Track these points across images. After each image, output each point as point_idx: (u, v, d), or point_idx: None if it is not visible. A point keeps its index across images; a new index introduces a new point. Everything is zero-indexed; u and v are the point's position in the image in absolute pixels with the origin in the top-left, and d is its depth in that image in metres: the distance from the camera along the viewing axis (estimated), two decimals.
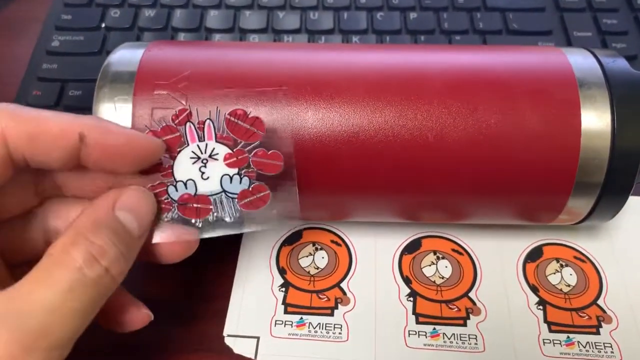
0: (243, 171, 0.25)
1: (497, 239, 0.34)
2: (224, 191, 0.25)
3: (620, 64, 0.28)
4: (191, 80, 0.27)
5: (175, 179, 0.25)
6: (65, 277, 0.21)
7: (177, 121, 0.25)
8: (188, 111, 0.25)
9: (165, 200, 0.25)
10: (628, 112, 0.27)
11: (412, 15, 0.43)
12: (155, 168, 0.25)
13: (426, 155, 0.27)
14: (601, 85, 0.27)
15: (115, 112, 0.26)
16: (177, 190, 0.25)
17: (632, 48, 0.41)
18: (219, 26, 0.42)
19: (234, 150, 0.25)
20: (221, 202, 0.26)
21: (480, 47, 0.31)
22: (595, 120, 0.27)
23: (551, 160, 0.27)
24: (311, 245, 0.34)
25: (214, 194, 0.26)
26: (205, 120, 0.25)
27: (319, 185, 0.27)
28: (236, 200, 0.26)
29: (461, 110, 0.27)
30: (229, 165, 0.25)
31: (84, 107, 0.37)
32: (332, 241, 0.34)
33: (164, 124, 0.25)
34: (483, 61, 0.28)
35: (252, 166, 0.25)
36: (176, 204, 0.25)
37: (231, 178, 0.25)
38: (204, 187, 0.25)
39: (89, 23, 0.42)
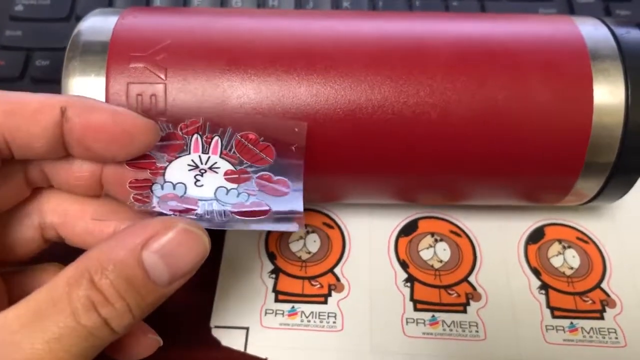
0: (243, 188, 0.24)
1: (497, 219, 0.32)
2: (217, 199, 0.24)
3: (635, 35, 0.26)
4: (170, 52, 0.24)
5: (164, 179, 0.23)
6: (57, 323, 0.18)
7: (185, 131, 0.23)
8: (199, 124, 0.23)
9: (145, 194, 0.23)
10: None
11: None
12: (146, 164, 0.23)
13: (429, 135, 0.25)
14: (615, 58, 0.26)
15: (87, 87, 0.24)
16: (162, 189, 0.23)
17: (636, 15, 0.38)
18: None
19: (238, 168, 0.24)
20: (210, 206, 0.24)
21: (486, 15, 0.29)
22: (608, 95, 0.25)
23: (561, 139, 0.25)
24: None
25: (203, 200, 0.24)
26: (214, 136, 0.23)
27: (312, 165, 0.25)
28: (228, 208, 0.24)
29: (467, 85, 0.25)
30: (229, 180, 0.24)
31: (53, 79, 0.34)
32: (324, 223, 0.32)
33: (170, 130, 0.23)
34: (489, 31, 0.26)
35: (254, 186, 0.24)
36: (157, 200, 0.23)
37: (228, 190, 0.24)
38: (195, 192, 0.24)
39: None
